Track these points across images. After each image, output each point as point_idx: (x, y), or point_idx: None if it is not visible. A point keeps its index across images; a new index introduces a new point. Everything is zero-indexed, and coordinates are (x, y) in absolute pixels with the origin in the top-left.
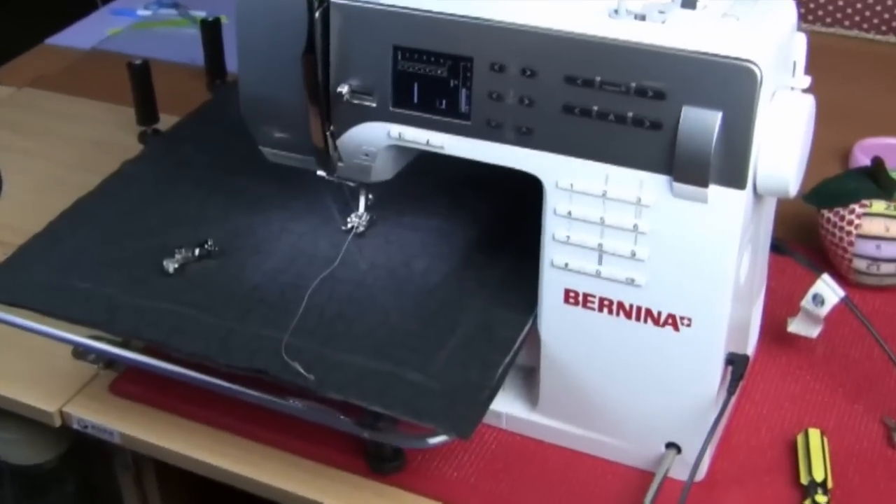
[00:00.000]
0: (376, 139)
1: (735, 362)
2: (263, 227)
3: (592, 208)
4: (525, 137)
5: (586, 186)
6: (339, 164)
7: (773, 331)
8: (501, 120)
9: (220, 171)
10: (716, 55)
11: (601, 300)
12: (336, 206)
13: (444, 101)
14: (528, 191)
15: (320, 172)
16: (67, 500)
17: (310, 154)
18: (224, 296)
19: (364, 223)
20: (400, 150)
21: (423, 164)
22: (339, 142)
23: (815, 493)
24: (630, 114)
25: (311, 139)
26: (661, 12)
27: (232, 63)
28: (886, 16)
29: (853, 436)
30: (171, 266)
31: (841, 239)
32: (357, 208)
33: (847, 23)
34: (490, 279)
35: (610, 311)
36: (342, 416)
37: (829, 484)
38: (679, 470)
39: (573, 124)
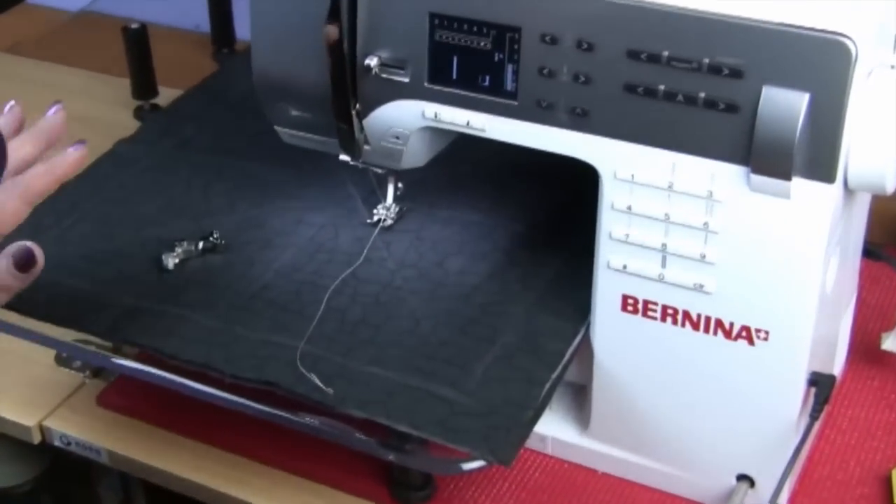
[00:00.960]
0: (408, 120)
1: (819, 383)
2: (276, 219)
3: (656, 203)
4: (580, 120)
5: (649, 177)
6: (366, 147)
7: (865, 348)
8: (553, 100)
9: (228, 153)
10: (803, 28)
11: (664, 308)
12: (360, 195)
13: (487, 78)
14: (581, 182)
15: (343, 157)
16: None
17: (332, 136)
18: (230, 296)
19: (392, 215)
20: (435, 132)
21: (462, 150)
22: (365, 122)
23: None
24: (702, 94)
25: (334, 119)
26: None
27: (243, 29)
28: None
29: None
30: (169, 261)
31: None
32: (384, 198)
33: None
34: (536, 282)
35: (674, 322)
36: (363, 436)
37: None
38: None
39: (635, 106)
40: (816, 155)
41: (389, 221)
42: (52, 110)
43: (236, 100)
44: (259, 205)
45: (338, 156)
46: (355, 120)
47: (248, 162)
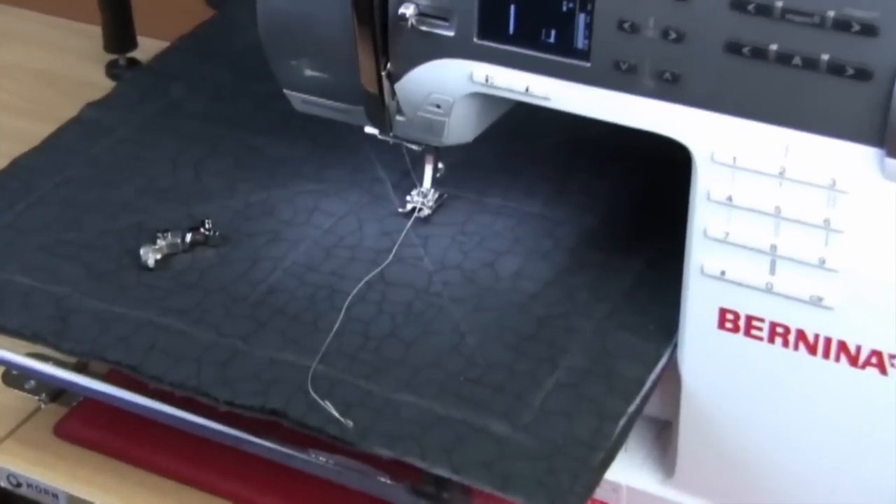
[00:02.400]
0: (453, 84)
1: None
2: (286, 206)
3: (764, 193)
4: (669, 87)
5: (756, 161)
6: (398, 118)
7: None
8: (635, 61)
9: (225, 123)
10: None
11: (773, 326)
12: (391, 178)
13: (552, 33)
14: (669, 166)
15: (370, 130)
16: None
17: (356, 103)
18: (226, 301)
19: (430, 204)
20: (486, 101)
21: (519, 124)
22: (398, 86)
23: None
24: (825, 56)
25: (359, 82)
26: None
27: None
28: None
29: None
30: (150, 257)
31: None
32: (421, 182)
33: None
34: (610, 291)
35: (785, 343)
36: (390, 480)
37: None
38: None
39: (739, 70)
40: None
41: (427, 211)
42: None
43: (236, 55)
44: (265, 188)
45: (363, 128)
46: (385, 83)
47: (251, 134)
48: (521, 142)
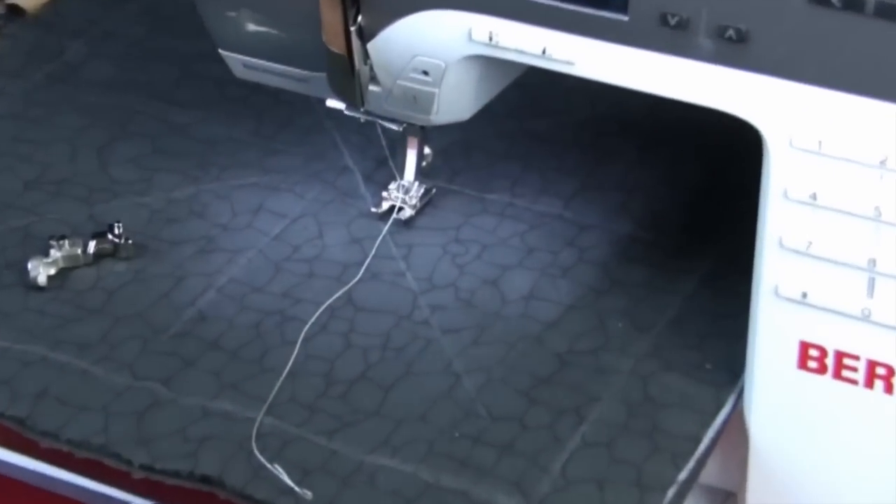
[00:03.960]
0: (445, 44)
1: None
2: (220, 204)
3: (861, 189)
4: (733, 49)
5: (850, 148)
6: (372, 88)
7: None
8: (689, 13)
9: (138, 93)
10: None
11: (871, 366)
12: (361, 168)
13: None
14: (731, 152)
15: (334, 103)
16: None
17: (315, 68)
18: (143, 332)
19: (415, 202)
20: (488, 66)
21: (532, 96)
22: (372, 46)
23: None
24: None
25: (320, 40)
26: None
27: None
28: None
29: None
30: (41, 272)
31: None
32: (401, 173)
33: None
34: (653, 318)
35: (888, 388)
36: None
37: None
38: None
39: (828, 25)
40: None
41: (409, 212)
42: None
43: (154, 2)
44: (192, 181)
45: (324, 102)
46: (355, 42)
47: (174, 108)
48: (534, 120)
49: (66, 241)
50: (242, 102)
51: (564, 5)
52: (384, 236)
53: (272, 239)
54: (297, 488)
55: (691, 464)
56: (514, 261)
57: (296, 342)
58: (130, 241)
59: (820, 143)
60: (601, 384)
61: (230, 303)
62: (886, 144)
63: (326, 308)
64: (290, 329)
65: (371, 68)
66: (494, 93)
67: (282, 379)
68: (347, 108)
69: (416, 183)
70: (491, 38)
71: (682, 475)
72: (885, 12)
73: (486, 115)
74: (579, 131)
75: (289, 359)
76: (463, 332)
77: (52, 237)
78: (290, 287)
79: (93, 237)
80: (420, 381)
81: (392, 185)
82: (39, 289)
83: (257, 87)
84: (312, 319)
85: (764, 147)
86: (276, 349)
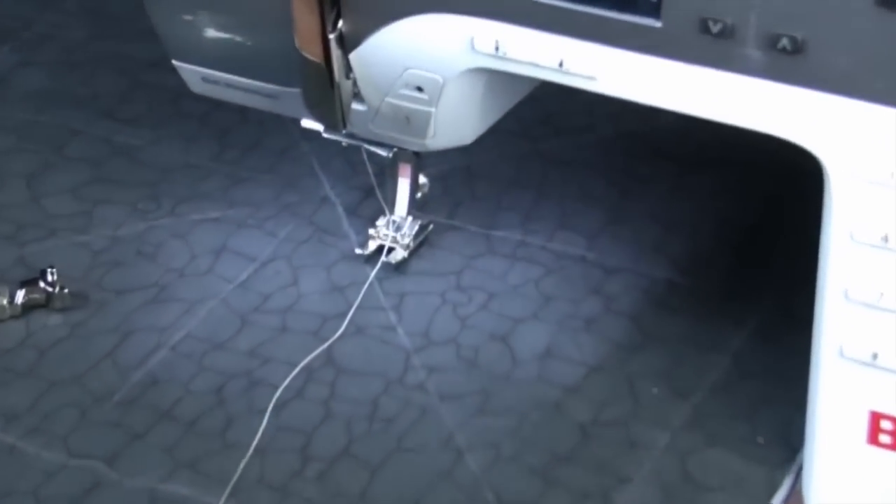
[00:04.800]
0: (443, 54)
1: None
2: (175, 243)
3: None
4: (789, 61)
5: None
6: (356, 107)
7: None
8: (734, 18)
9: (78, 109)
10: None
11: None
12: (343, 200)
13: None
14: (785, 183)
15: (309, 124)
16: None
17: (287, 83)
18: (81, 399)
19: (408, 241)
20: (495, 81)
21: (545, 113)
22: (356, 57)
23: None
24: None
25: (293, 49)
26: None
27: None
28: None
29: None
30: None
31: None
32: (392, 207)
33: None
34: (693, 381)
35: None
36: None
37: None
38: None
39: None
40: None
41: (402, 253)
42: None
43: (98, 0)
44: (141, 215)
45: (299, 122)
46: (335, 52)
47: (122, 126)
48: (549, 140)
49: None
50: (202, 121)
51: (586, 9)
52: (371, 283)
53: (237, 286)
54: None
55: None
56: (528, 312)
57: (265, 411)
58: (66, 290)
59: (893, 174)
60: (632, 462)
61: (186, 363)
62: None
63: (302, 369)
64: (258, 395)
65: (354, 83)
66: (501, 112)
67: (248, 456)
68: (326, 130)
69: (410, 218)
70: (497, 48)
71: None
72: None
73: (492, 135)
74: (604, 154)
75: (256, 431)
76: (465, 399)
77: None
78: (259, 344)
79: (21, 285)
80: (414, 458)
81: (380, 221)
82: None
83: (220, 104)
84: (285, 383)
85: (825, 178)
86: (241, 419)
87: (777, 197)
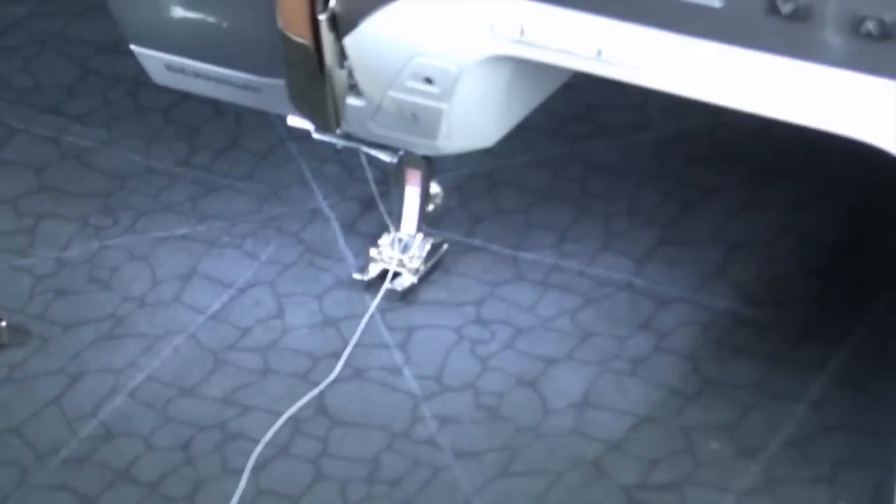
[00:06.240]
0: (455, 40)
1: None
2: (136, 267)
3: None
4: (873, 49)
5: None
6: (352, 101)
7: None
8: (809, 0)
9: (20, 102)
10: None
11: None
12: (339, 214)
13: None
14: (873, 197)
15: (296, 122)
16: None
17: (269, 73)
18: (21, 457)
19: (417, 264)
20: (518, 71)
21: (582, 106)
22: (351, 42)
23: None
24: None
25: (276, 32)
26: None
27: None
28: None
29: None
30: None
31: None
32: (397, 223)
33: None
34: (762, 436)
35: None
36: None
37: None
38: None
39: None
40: None
41: (409, 280)
42: None
43: None
44: (96, 231)
45: (284, 120)
46: (327, 35)
47: (71, 124)
48: (588, 141)
49: None
50: (166, 118)
51: None
52: (372, 315)
53: (209, 318)
54: None
55: None
56: (562, 351)
57: (242, 471)
58: (3, 323)
59: None
60: None
61: (147, 412)
62: None
63: (288, 420)
64: (234, 451)
65: (350, 73)
66: (528, 109)
67: None
68: (317, 129)
69: (420, 236)
70: (523, 32)
71: None
72: None
73: (518, 134)
74: (658, 158)
75: (232, 496)
76: (486, 457)
77: None
78: (235, 389)
79: None
80: None
81: (384, 240)
82: None
83: (187, 97)
84: (267, 437)
85: None
86: (213, 481)
87: (868, 211)
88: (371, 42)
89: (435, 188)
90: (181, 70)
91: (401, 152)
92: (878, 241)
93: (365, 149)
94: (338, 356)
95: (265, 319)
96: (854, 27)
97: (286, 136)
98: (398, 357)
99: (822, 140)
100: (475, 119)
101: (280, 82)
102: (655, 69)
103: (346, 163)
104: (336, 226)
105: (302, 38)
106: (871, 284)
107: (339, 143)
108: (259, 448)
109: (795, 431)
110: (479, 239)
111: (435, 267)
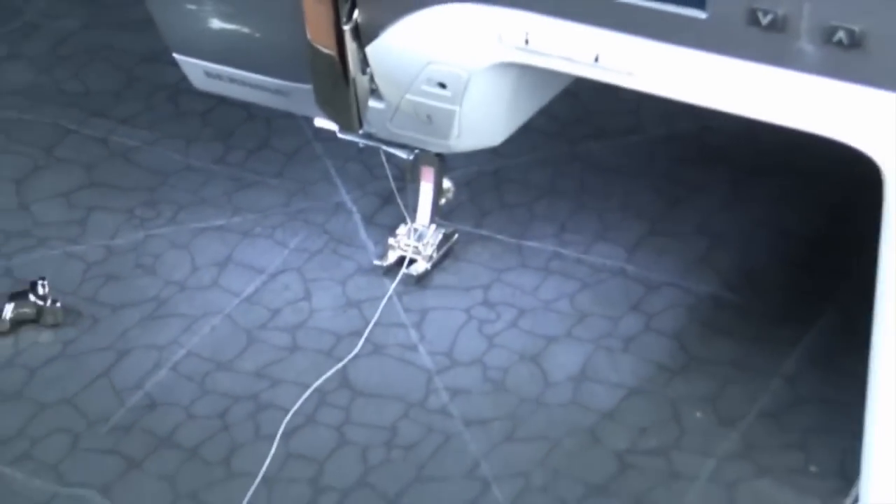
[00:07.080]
0: (466, 48)
1: None
2: (176, 254)
3: None
4: (843, 56)
5: None
6: (374, 104)
7: None
8: (786, 9)
9: (71, 106)
10: None
11: None
12: (361, 207)
13: None
14: (843, 191)
15: (323, 123)
16: None
17: (298, 78)
18: (74, 424)
19: (430, 251)
20: (524, 77)
21: (582, 111)
22: (373, 50)
23: None
24: None
25: (304, 41)
26: None
27: None
28: None
29: None
30: None
31: None
32: (413, 215)
33: None
34: (741, 406)
35: None
36: None
37: None
38: None
39: None
40: None
41: (424, 265)
42: None
43: None
44: (142, 222)
45: (312, 122)
46: (350, 45)
47: (118, 126)
48: (587, 142)
49: None
50: (204, 120)
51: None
52: (390, 297)
53: (243, 301)
54: None
55: None
56: (561, 330)
57: (273, 437)
58: (59, 304)
59: None
60: (674, 494)
61: (188, 385)
62: None
63: (314, 392)
64: (266, 420)
65: (371, 78)
66: (533, 111)
67: (255, 486)
68: (341, 130)
69: (433, 227)
70: (527, 41)
71: None
72: None
73: (523, 135)
74: (651, 158)
75: (264, 459)
76: (492, 424)
77: None
78: (267, 364)
79: (10, 298)
80: (436, 488)
81: (401, 230)
82: None
83: (224, 101)
84: (295, 407)
85: (884, 185)
86: (247, 446)
87: (841, 207)
88: (390, 51)
89: (447, 184)
90: (218, 76)
91: (416, 150)
92: (848, 233)
93: (384, 147)
94: (359, 334)
95: (293, 301)
96: (826, 37)
97: (313, 137)
98: (413, 335)
99: (800, 145)
100: (484, 120)
101: (308, 87)
102: (648, 74)
103: (366, 161)
104: (358, 218)
105: (328, 48)
106: (840, 273)
107: (362, 142)
108: (288, 417)
109: (771, 403)
110: (487, 229)
111: (446, 255)
